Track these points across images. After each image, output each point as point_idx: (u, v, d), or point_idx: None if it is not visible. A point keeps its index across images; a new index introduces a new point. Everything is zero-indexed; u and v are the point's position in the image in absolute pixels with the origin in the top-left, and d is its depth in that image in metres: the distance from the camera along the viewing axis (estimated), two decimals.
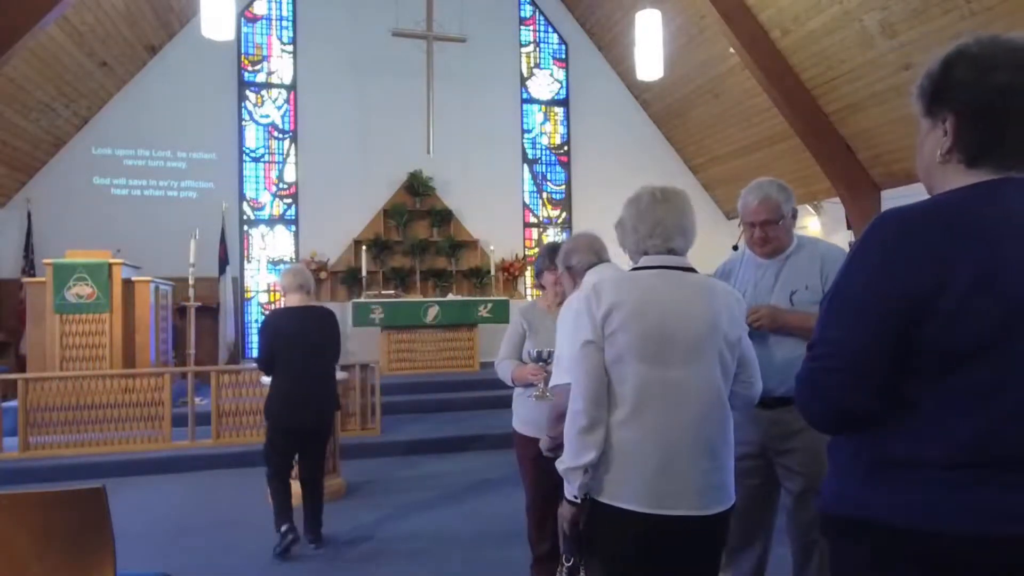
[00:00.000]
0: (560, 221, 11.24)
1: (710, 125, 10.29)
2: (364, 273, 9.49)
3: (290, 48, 10.15)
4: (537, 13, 11.22)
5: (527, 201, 11.12)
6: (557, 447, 2.21)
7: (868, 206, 8.21)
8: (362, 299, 8.77)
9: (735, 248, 2.67)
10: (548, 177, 11.27)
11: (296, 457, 4.02)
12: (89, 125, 9.16)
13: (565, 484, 1.77)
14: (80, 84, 8.50)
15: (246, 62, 9.99)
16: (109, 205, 9.15)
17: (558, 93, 11.35)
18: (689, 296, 1.77)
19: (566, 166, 11.31)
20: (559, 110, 11.35)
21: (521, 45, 11.15)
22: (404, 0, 9.19)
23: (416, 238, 10.17)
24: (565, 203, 11.28)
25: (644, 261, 1.85)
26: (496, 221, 10.58)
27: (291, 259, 9.98)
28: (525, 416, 2.91)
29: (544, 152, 11.27)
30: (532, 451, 2.56)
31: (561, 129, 11.35)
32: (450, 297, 9.42)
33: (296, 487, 4.03)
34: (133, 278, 6.95)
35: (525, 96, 11.15)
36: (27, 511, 1.82)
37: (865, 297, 1.12)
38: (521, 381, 2.90)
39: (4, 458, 5.62)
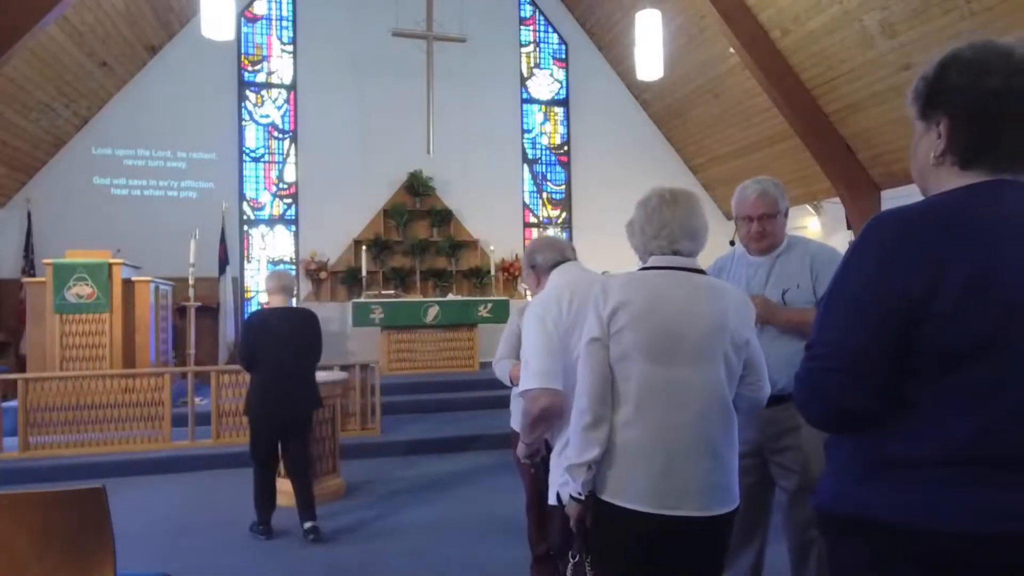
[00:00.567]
0: (560, 221, 11.24)
1: (710, 125, 10.29)
2: (364, 273, 9.49)
3: (290, 48, 10.15)
4: (537, 13, 11.22)
5: (527, 201, 11.12)
6: (535, 453, 2.22)
7: (868, 206, 8.21)
8: (362, 299, 8.77)
9: (732, 244, 2.68)
10: (548, 177, 11.27)
11: (280, 451, 4.22)
12: (89, 125, 9.16)
13: (570, 481, 1.78)
14: (80, 84, 8.50)
15: (246, 62, 9.99)
16: (109, 205, 9.15)
17: (558, 93, 11.35)
18: (696, 296, 1.78)
19: (566, 166, 11.32)
20: (559, 110, 11.36)
21: (521, 45, 11.16)
22: (404, 0, 9.20)
23: (416, 238, 10.17)
24: (565, 203, 11.28)
25: (651, 262, 1.86)
26: (496, 221, 10.59)
27: (291, 259, 10.01)
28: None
29: (544, 152, 11.27)
30: None
31: (561, 129, 11.35)
32: (450, 297, 9.42)
33: (287, 485, 4.23)
34: (133, 278, 6.96)
35: (525, 96, 11.16)
36: (27, 511, 1.82)
37: (863, 297, 1.12)
38: (519, 381, 2.90)
39: (4, 458, 5.62)
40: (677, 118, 10.90)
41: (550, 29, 11.29)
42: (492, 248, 10.25)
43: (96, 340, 6.61)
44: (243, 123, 9.93)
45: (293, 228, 10.09)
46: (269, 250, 10.03)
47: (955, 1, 6.06)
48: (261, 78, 10.07)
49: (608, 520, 1.73)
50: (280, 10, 10.15)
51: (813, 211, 9.81)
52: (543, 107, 11.29)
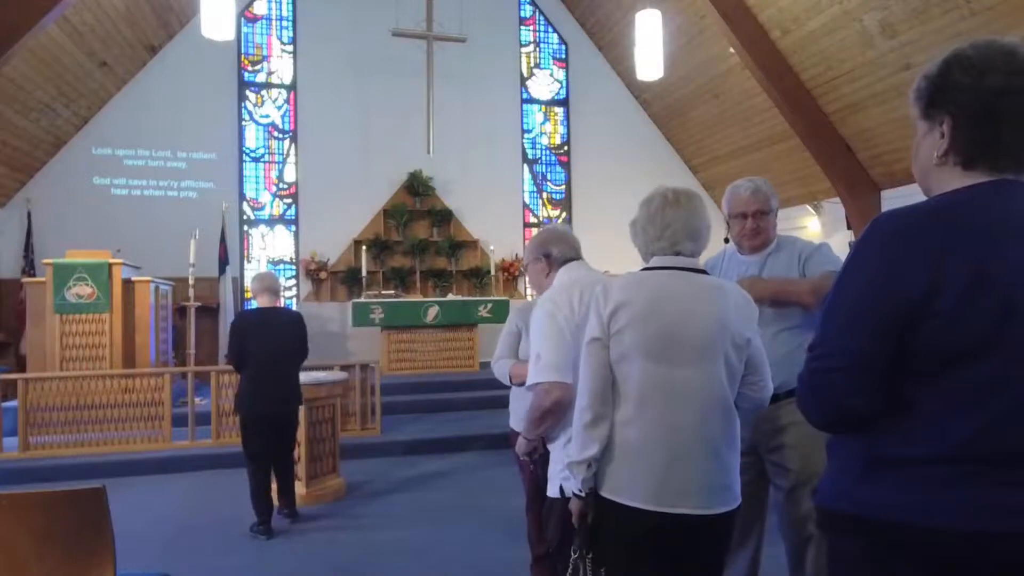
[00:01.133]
0: (560, 221, 11.23)
1: (710, 125, 10.29)
2: (364, 273, 9.50)
3: (290, 48, 10.15)
4: (537, 13, 11.22)
5: (527, 201, 11.12)
6: (533, 451, 2.22)
7: (868, 206, 8.21)
8: (362, 299, 8.77)
9: (727, 241, 2.70)
10: (548, 177, 11.27)
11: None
12: (89, 125, 9.16)
13: (571, 478, 1.78)
14: (80, 84, 8.50)
15: (246, 62, 9.99)
16: (109, 205, 9.15)
17: (558, 93, 11.35)
18: (697, 296, 1.78)
19: (566, 166, 11.32)
20: (559, 110, 11.36)
21: (521, 45, 11.16)
22: (404, 0, 9.20)
23: (416, 238, 10.17)
24: (565, 203, 11.28)
25: (653, 262, 1.87)
26: (496, 221, 10.59)
27: (291, 259, 10.01)
28: (523, 415, 2.91)
29: (544, 152, 11.27)
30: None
31: (561, 129, 11.35)
32: (450, 297, 9.42)
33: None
34: (133, 278, 6.95)
35: (525, 96, 11.16)
36: (27, 511, 1.82)
37: (865, 298, 1.13)
38: (519, 380, 2.90)
39: (4, 458, 5.62)
40: (677, 118, 10.90)
41: (550, 29, 11.29)
42: (492, 248, 10.25)
43: (96, 340, 6.60)
44: (243, 123, 9.93)
45: (293, 228, 10.09)
46: (269, 250, 10.03)
47: (955, 1, 6.06)
48: (261, 78, 10.06)
49: (609, 517, 1.74)
50: (280, 10, 10.15)
51: (813, 211, 9.80)
52: (543, 107, 11.29)
